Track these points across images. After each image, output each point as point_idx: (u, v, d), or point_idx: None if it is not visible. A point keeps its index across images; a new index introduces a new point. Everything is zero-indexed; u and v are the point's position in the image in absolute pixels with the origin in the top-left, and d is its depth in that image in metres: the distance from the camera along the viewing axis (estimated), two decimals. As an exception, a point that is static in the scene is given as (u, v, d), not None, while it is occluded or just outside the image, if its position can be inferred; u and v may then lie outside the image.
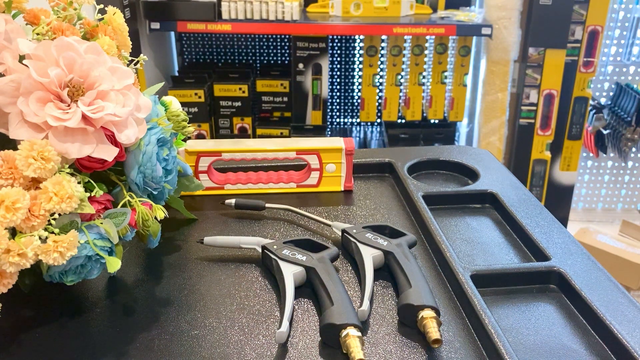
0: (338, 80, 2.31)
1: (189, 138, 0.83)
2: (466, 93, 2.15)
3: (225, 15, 1.88)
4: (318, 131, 2.09)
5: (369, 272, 0.61)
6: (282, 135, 2.10)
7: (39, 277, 0.57)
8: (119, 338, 0.55)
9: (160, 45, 2.13)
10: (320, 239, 0.71)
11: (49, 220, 0.51)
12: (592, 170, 2.63)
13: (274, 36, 2.24)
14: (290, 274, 0.60)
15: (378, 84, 2.15)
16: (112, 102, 0.55)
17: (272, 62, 2.29)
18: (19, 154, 0.50)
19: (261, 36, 2.24)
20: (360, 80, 2.29)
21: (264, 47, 2.27)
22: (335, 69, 2.29)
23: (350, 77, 2.30)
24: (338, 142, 0.81)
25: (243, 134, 2.12)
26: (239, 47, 2.27)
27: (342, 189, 0.83)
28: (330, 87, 2.30)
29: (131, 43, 0.67)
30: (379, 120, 2.25)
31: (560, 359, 0.53)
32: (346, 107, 2.36)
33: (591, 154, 2.51)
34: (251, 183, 0.82)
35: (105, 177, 0.60)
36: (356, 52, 2.26)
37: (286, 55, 2.28)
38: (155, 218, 0.60)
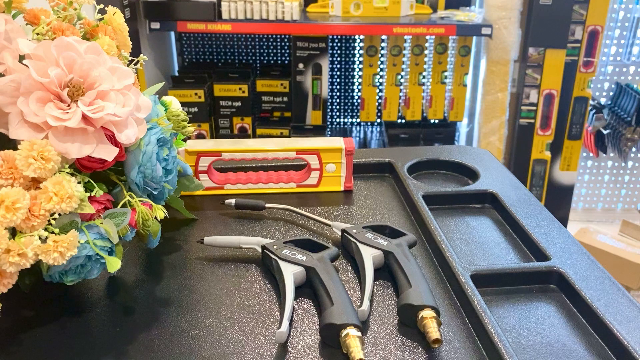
0: (338, 80, 2.31)
1: (189, 138, 0.83)
2: (466, 93, 2.15)
3: (225, 15, 1.88)
4: (318, 131, 2.09)
5: (369, 272, 0.61)
6: (282, 135, 2.10)
7: (39, 277, 0.57)
8: (119, 338, 0.55)
9: (160, 45, 2.13)
10: (320, 239, 0.71)
11: (49, 220, 0.51)
12: (592, 170, 2.63)
13: (274, 36, 2.25)
14: (290, 274, 0.60)
15: (378, 84, 2.15)
16: (112, 102, 0.55)
17: (272, 62, 2.29)
18: (19, 154, 0.50)
19: (261, 36, 2.24)
20: (360, 80, 2.29)
21: (264, 47, 2.27)
22: (335, 69, 2.29)
23: (350, 77, 2.30)
24: (338, 142, 0.81)
25: (243, 134, 2.12)
26: (239, 47, 2.27)
27: (342, 189, 0.83)
28: (330, 87, 2.30)
29: (131, 43, 0.67)
30: (379, 120, 2.25)
31: (561, 359, 0.53)
32: (346, 107, 2.36)
33: (591, 154, 2.51)
34: (251, 183, 0.82)
35: (105, 177, 0.60)
36: (356, 52, 2.26)
37: (286, 55, 2.28)
38: (155, 218, 0.60)
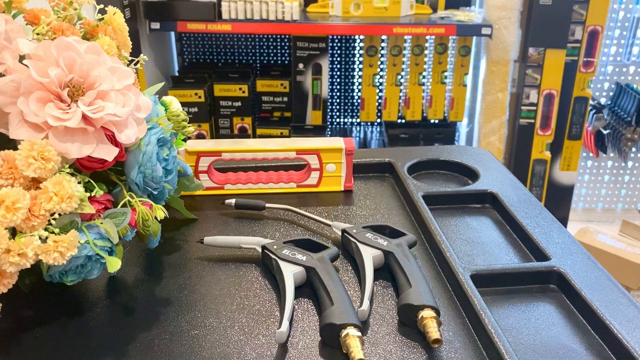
0: (338, 80, 2.31)
1: (189, 138, 0.83)
2: (466, 93, 2.15)
3: (225, 15, 1.88)
4: (318, 131, 2.09)
5: (369, 272, 0.61)
6: (282, 135, 2.10)
7: (39, 277, 0.57)
8: (119, 338, 0.55)
9: (160, 45, 2.13)
10: (320, 239, 0.71)
11: (49, 220, 0.51)
12: (592, 170, 2.63)
13: (274, 36, 2.25)
14: (290, 273, 0.60)
15: (378, 84, 2.15)
16: (112, 102, 0.55)
17: (272, 62, 2.29)
18: (19, 154, 0.50)
19: (261, 36, 2.24)
20: (360, 80, 2.29)
21: (264, 47, 2.27)
22: (335, 69, 2.29)
23: (350, 77, 2.30)
24: (338, 142, 0.81)
25: (243, 134, 2.12)
26: (239, 47, 2.27)
27: (342, 189, 0.83)
28: (330, 87, 2.30)
29: (131, 43, 0.67)
30: (379, 120, 2.25)
31: (561, 359, 0.53)
32: (346, 107, 2.36)
33: (591, 154, 2.51)
34: (251, 183, 0.82)
35: (105, 177, 0.60)
36: (356, 52, 2.26)
37: (286, 55, 2.28)
38: (155, 218, 0.60)
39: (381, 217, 0.77)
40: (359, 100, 2.33)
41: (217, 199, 0.80)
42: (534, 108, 2.04)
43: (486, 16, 1.94)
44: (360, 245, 0.65)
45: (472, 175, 0.88)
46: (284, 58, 2.29)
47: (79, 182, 0.53)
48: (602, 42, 2.03)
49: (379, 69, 2.13)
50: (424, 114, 2.21)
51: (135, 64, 0.66)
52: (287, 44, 2.26)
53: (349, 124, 2.38)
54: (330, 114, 2.36)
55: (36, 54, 0.52)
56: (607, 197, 2.68)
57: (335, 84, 2.31)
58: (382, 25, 1.87)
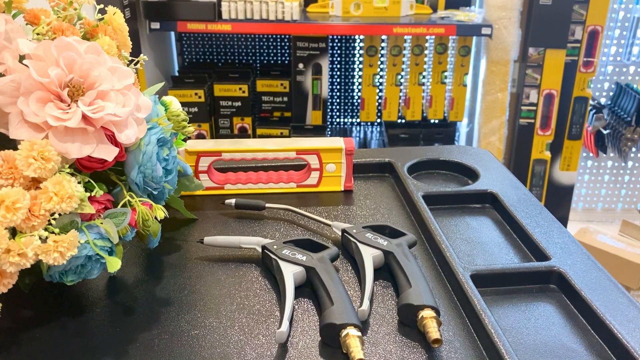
0: (338, 80, 2.31)
1: (189, 138, 0.83)
2: (466, 93, 2.15)
3: (225, 15, 1.88)
4: (318, 131, 2.09)
5: (369, 272, 0.61)
6: (282, 135, 2.10)
7: (39, 277, 0.57)
8: (119, 338, 0.55)
9: (160, 45, 2.13)
10: (320, 239, 0.71)
11: (49, 220, 0.51)
12: (592, 170, 2.63)
13: (274, 36, 2.25)
14: (290, 273, 0.60)
15: (378, 84, 2.15)
16: (112, 102, 0.55)
17: (272, 62, 2.29)
18: (19, 154, 0.50)
19: (261, 36, 2.24)
20: (360, 80, 2.29)
21: (264, 47, 2.27)
22: (335, 69, 2.29)
23: (350, 77, 2.30)
24: (338, 142, 0.81)
25: (243, 134, 2.12)
26: (239, 47, 2.27)
27: (342, 189, 0.83)
28: (330, 87, 2.30)
29: (131, 43, 0.67)
30: (379, 120, 2.25)
31: (561, 359, 0.53)
32: (346, 107, 2.36)
33: (591, 154, 2.51)
34: (251, 183, 0.82)
35: (105, 177, 0.60)
36: (356, 52, 2.26)
37: (286, 55, 2.28)
38: (155, 218, 0.60)
39: (381, 217, 0.77)
40: (359, 100, 2.33)
41: (217, 199, 0.80)
42: (534, 108, 2.04)
43: (486, 16, 1.94)
44: (360, 245, 0.65)
45: (472, 175, 0.88)
46: (284, 58, 2.29)
47: (79, 182, 0.53)
48: (602, 42, 2.03)
49: (379, 69, 2.13)
50: (424, 114, 2.21)
51: (135, 64, 0.66)
52: (287, 44, 2.26)
53: (349, 124, 2.38)
54: (330, 114, 2.36)
55: (36, 54, 0.52)
56: (607, 197, 2.68)
57: (335, 84, 2.31)
58: (382, 25, 1.87)
